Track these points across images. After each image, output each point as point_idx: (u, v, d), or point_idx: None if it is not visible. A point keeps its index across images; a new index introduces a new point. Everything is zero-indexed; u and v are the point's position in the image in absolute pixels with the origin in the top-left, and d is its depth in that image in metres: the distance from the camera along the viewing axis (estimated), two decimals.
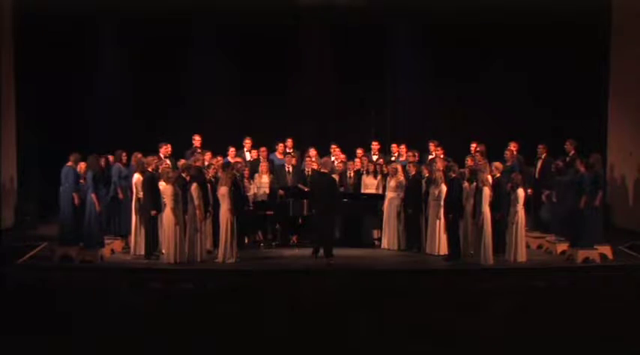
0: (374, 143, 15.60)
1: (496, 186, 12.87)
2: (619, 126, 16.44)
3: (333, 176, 14.10)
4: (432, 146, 15.11)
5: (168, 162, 13.89)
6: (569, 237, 13.26)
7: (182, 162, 13.59)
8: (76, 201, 12.96)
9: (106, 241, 13.25)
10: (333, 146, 15.36)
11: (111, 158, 13.90)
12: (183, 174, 12.95)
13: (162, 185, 12.93)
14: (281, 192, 14.43)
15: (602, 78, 16.62)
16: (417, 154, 14.66)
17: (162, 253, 12.94)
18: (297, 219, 14.48)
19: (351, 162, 14.89)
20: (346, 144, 15.65)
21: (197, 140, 15.01)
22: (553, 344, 7.88)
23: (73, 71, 16.82)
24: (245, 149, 15.36)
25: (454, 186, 13.01)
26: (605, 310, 9.10)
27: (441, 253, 13.40)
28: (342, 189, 14.40)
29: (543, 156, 14.54)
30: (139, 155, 13.72)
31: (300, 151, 15.54)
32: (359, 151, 15.26)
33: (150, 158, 13.46)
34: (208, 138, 15.27)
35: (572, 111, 16.42)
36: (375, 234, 14.63)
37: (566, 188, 13.36)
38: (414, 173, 13.97)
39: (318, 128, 17.12)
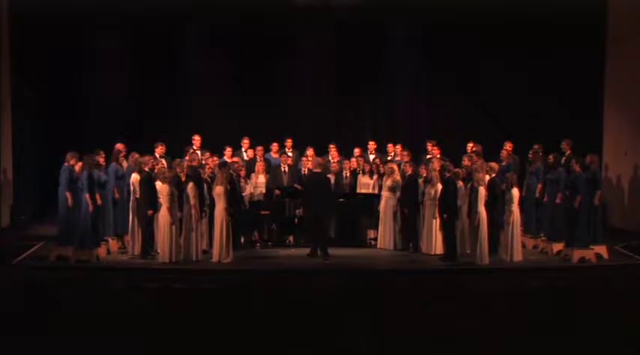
0: (371, 142, 15.63)
1: (490, 186, 12.90)
2: (614, 126, 16.47)
3: (329, 176, 14.16)
4: (429, 146, 15.13)
5: (164, 161, 13.89)
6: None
7: (177, 161, 13.58)
8: (69, 201, 12.95)
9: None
10: (331, 146, 15.38)
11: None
12: (178, 171, 12.96)
13: (158, 185, 12.94)
14: (277, 191, 14.44)
15: (598, 78, 16.64)
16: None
17: (158, 253, 12.94)
18: (293, 218, 14.48)
19: (347, 162, 14.90)
20: (344, 143, 15.66)
21: (197, 140, 15.01)
22: (552, 344, 7.89)
23: (70, 70, 16.81)
24: (243, 149, 15.36)
25: (449, 185, 13.03)
26: (602, 310, 9.12)
27: (437, 253, 13.41)
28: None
29: (539, 156, 14.56)
30: (136, 155, 13.73)
31: (298, 151, 15.55)
32: (356, 151, 15.29)
33: (146, 157, 13.47)
34: (206, 138, 15.26)
35: (569, 111, 16.46)
36: (371, 233, 14.65)
37: (551, 186, 13.50)
38: (410, 172, 13.99)
39: (315, 128, 17.13)
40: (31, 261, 12.91)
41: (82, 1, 16.10)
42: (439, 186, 13.34)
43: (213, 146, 14.93)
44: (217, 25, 17.11)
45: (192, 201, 12.80)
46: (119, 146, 14.23)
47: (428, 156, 14.91)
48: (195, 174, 13.07)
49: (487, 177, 13.00)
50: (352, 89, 17.55)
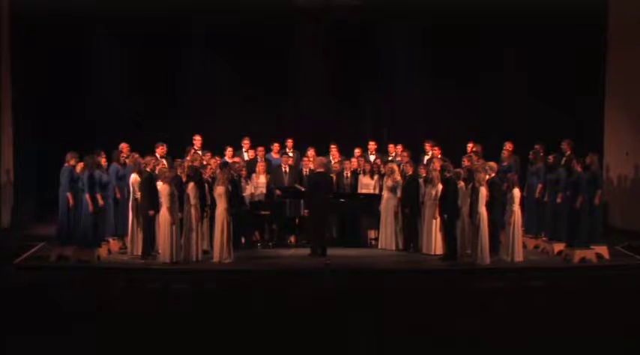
0: (371, 143, 15.63)
1: (490, 186, 12.89)
2: (615, 127, 16.45)
3: (331, 175, 14.18)
4: (427, 146, 15.12)
5: (164, 162, 13.90)
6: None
7: (178, 161, 13.59)
8: (70, 201, 12.95)
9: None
10: (332, 146, 15.38)
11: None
12: (179, 171, 12.96)
13: (159, 185, 12.94)
14: (278, 192, 14.44)
15: (598, 78, 16.63)
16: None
17: (159, 253, 12.93)
18: (294, 219, 14.48)
19: (347, 162, 14.90)
20: (344, 144, 15.66)
21: (197, 140, 15.01)
22: (552, 344, 7.89)
23: (70, 71, 16.80)
24: (243, 149, 15.36)
25: (449, 185, 13.03)
26: (602, 310, 9.11)
27: (438, 253, 13.41)
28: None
29: (540, 156, 14.56)
30: (136, 155, 13.74)
31: (299, 151, 15.55)
32: (357, 151, 15.29)
33: (148, 158, 13.48)
34: (207, 138, 15.26)
35: (569, 112, 16.45)
36: (372, 234, 14.65)
37: (551, 186, 13.53)
38: (410, 173, 13.99)
39: (316, 128, 17.12)
40: (31, 262, 12.92)
41: (82, 2, 16.09)
42: (440, 187, 13.34)
43: (213, 146, 14.93)
44: (217, 25, 17.09)
45: (192, 202, 12.80)
46: (122, 146, 14.24)
47: (427, 157, 14.91)
48: (195, 175, 13.06)
49: (487, 177, 13.00)
50: (352, 89, 17.54)
